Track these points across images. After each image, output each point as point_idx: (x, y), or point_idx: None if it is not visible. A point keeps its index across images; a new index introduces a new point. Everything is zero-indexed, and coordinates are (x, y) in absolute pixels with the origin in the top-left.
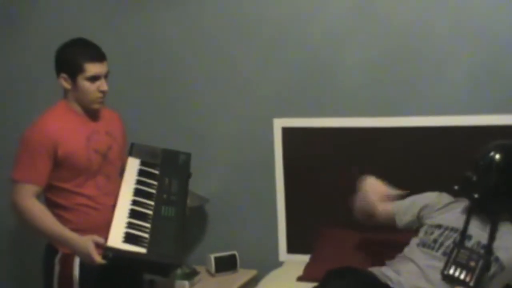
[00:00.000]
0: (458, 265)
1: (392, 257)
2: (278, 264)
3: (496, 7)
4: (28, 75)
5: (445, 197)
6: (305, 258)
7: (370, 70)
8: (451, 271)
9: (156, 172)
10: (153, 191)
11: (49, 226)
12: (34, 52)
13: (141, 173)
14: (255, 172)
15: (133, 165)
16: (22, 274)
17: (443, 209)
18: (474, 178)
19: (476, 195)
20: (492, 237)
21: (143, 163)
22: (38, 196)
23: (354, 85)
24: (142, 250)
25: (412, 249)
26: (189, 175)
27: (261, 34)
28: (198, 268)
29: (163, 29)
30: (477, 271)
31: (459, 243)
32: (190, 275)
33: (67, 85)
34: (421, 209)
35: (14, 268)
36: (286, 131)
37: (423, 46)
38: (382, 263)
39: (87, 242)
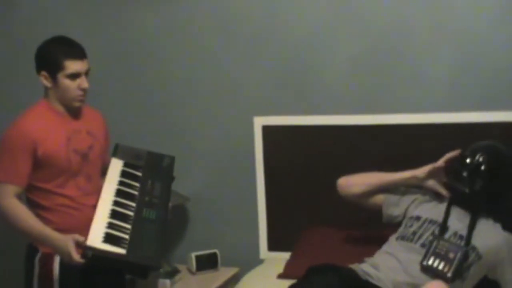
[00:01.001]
0: (437, 256)
1: (372, 254)
2: (259, 261)
3: (475, 5)
4: (7, 73)
5: (430, 195)
6: (285, 256)
7: (351, 68)
8: (430, 262)
9: (139, 174)
10: (135, 192)
11: (30, 225)
12: (15, 50)
13: (124, 174)
14: (235, 170)
15: (116, 166)
16: (2, 274)
17: (425, 203)
18: (464, 174)
19: (466, 190)
20: (471, 229)
21: (126, 165)
22: (19, 196)
23: (335, 83)
24: (122, 250)
25: (391, 243)
26: (172, 179)
27: (242, 32)
28: (179, 266)
29: (146, 28)
30: (455, 261)
31: (439, 235)
32: (171, 274)
33: (47, 83)
34: (409, 204)
35: None
36: (267, 130)
37: (404, 44)
38: (362, 260)
39: (67, 240)
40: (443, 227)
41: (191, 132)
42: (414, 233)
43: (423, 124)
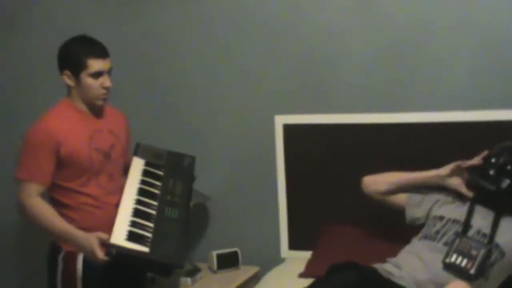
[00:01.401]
0: (460, 253)
1: (394, 254)
2: (280, 260)
3: (497, 3)
4: (30, 73)
5: (453, 196)
6: (306, 255)
7: (372, 66)
8: (452, 259)
9: (161, 173)
10: (157, 191)
11: (54, 224)
12: (35, 50)
13: (145, 173)
14: (256, 169)
15: (137, 165)
16: (26, 274)
17: (448, 204)
18: (491, 172)
19: (493, 188)
20: (494, 226)
21: (148, 164)
22: (42, 195)
23: (356, 82)
24: (145, 249)
25: (414, 243)
26: (193, 178)
27: (262, 31)
28: (200, 265)
29: (163, 27)
30: (478, 258)
31: (462, 233)
32: (192, 272)
33: (70, 82)
34: (433, 205)
35: (20, 267)
36: (288, 128)
37: (424, 41)
38: (384, 260)
39: (91, 238)
40: (466, 225)
41: (211, 131)
42: (437, 232)
43: (444, 122)
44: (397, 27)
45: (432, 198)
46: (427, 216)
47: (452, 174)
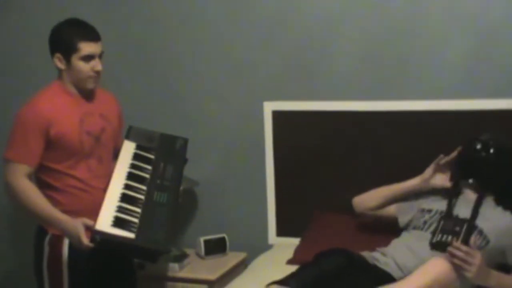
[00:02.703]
0: (445, 232)
1: (382, 241)
2: (267, 247)
3: None
4: (21, 55)
5: (440, 195)
6: (294, 241)
7: (362, 54)
8: (438, 238)
9: (152, 156)
10: (147, 175)
11: (40, 207)
12: (26, 33)
13: (136, 157)
14: (245, 155)
15: (128, 148)
16: (14, 255)
17: (437, 199)
18: (478, 146)
19: (481, 154)
20: (476, 206)
21: (138, 147)
22: (30, 176)
23: (346, 69)
24: (131, 235)
25: (403, 235)
26: (185, 161)
27: (253, 17)
28: (188, 251)
29: (158, 14)
30: (462, 231)
31: (446, 214)
32: (180, 258)
33: (61, 65)
34: (422, 202)
35: (7, 249)
36: (277, 115)
37: (416, 29)
38: (373, 249)
39: (77, 224)
40: (450, 208)
41: (200, 117)
42: (425, 222)
43: (434, 111)
44: (388, 15)
45: (421, 200)
46: (417, 212)
47: (434, 173)
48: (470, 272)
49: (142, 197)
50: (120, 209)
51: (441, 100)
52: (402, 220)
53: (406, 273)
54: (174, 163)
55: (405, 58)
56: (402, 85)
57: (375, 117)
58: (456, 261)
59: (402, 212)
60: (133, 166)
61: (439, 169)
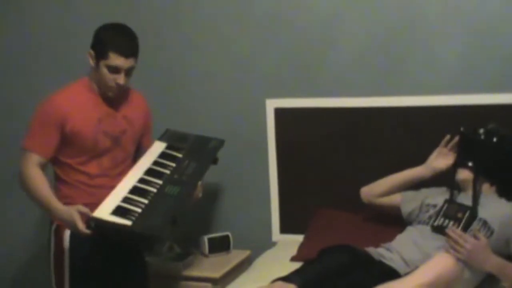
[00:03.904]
0: (447, 216)
1: (386, 238)
2: (271, 244)
3: None
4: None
5: (445, 189)
6: (298, 238)
7: (363, 51)
8: (440, 222)
9: (180, 155)
10: (167, 171)
11: (41, 194)
12: (47, 27)
13: (162, 155)
14: (248, 153)
15: (157, 147)
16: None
17: (441, 194)
18: (481, 131)
19: (469, 164)
20: (475, 192)
21: (169, 147)
22: (43, 167)
23: (347, 66)
24: (127, 222)
25: (408, 229)
26: (214, 160)
27: (253, 14)
28: (192, 249)
29: (158, 10)
30: (463, 220)
31: (450, 199)
32: (184, 256)
33: (91, 62)
34: (425, 197)
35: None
36: (279, 112)
37: (414, 25)
38: (378, 245)
39: (71, 211)
40: (453, 191)
41: (202, 115)
42: (430, 217)
43: (434, 106)
44: (388, 11)
45: (425, 192)
46: (421, 205)
47: (438, 157)
48: (462, 255)
49: (154, 190)
50: (125, 200)
51: (440, 95)
52: (405, 210)
53: (412, 267)
54: (200, 160)
55: (404, 54)
56: (402, 81)
57: (377, 113)
58: (450, 242)
59: (405, 202)
60: (155, 163)
61: (442, 152)
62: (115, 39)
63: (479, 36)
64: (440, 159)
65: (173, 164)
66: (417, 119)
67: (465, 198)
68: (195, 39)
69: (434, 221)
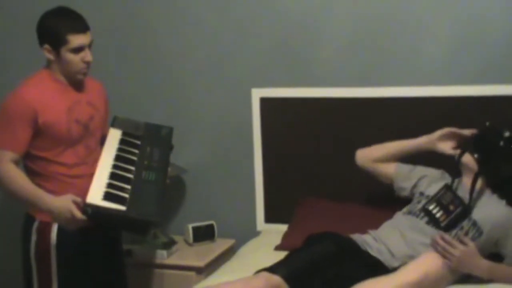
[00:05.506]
0: (439, 204)
1: (371, 227)
2: (255, 233)
3: None
4: (8, 42)
5: (441, 173)
6: (282, 228)
7: (350, 41)
8: (431, 207)
9: (138, 142)
10: (134, 158)
11: (26, 190)
12: (10, 21)
13: (122, 142)
14: (233, 142)
15: (114, 135)
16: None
17: (435, 182)
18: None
19: (476, 155)
20: (473, 188)
21: (125, 134)
22: (17, 164)
23: (333, 56)
24: (122, 207)
25: (397, 217)
26: (171, 147)
27: (239, 4)
28: (176, 237)
29: (142, 1)
30: (452, 215)
31: (450, 186)
32: (168, 245)
33: (50, 56)
34: (419, 179)
35: None
36: (265, 101)
37: (401, 16)
38: (365, 231)
39: (66, 201)
40: (453, 182)
41: (188, 104)
42: (421, 209)
43: (422, 97)
44: (375, 2)
45: (420, 171)
46: (413, 189)
47: (442, 136)
48: (451, 262)
49: (131, 175)
50: (110, 186)
51: (428, 86)
52: (398, 185)
53: (399, 261)
54: (160, 148)
55: (392, 44)
56: (388, 71)
57: (363, 104)
58: (439, 249)
59: (399, 176)
60: (120, 149)
61: (448, 135)
62: (66, 21)
63: (465, 27)
64: (444, 142)
65: (136, 151)
66: (402, 110)
67: (465, 189)
68: (180, 29)
69: (426, 203)
